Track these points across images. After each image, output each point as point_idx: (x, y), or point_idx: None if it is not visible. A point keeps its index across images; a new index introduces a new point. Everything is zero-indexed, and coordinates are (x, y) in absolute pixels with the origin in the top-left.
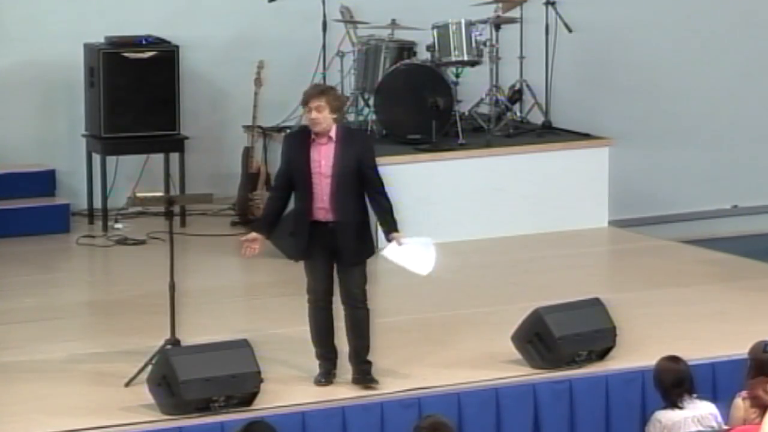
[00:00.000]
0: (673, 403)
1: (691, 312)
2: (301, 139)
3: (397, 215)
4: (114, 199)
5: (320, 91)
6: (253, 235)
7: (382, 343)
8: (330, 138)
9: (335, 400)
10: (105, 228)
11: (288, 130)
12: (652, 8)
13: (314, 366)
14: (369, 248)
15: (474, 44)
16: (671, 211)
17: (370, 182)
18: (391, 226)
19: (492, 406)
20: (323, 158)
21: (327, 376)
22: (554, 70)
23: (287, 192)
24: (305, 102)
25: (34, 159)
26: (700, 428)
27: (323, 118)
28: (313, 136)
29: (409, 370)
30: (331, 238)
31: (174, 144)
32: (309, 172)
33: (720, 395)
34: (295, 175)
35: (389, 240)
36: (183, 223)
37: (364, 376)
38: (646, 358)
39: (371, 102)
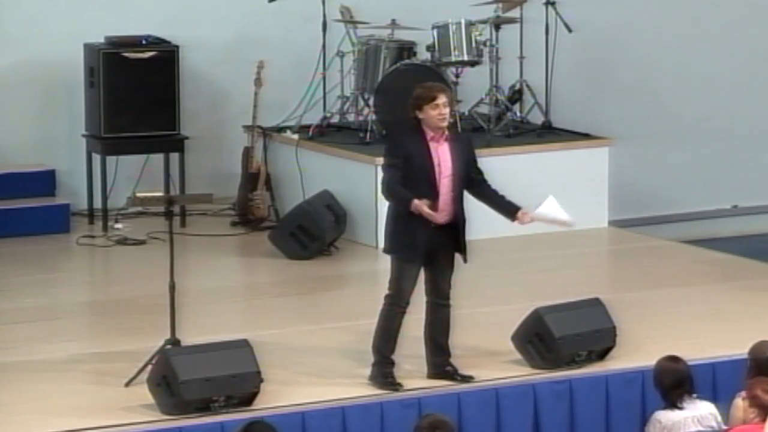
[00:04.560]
0: (673, 403)
1: (691, 312)
2: (416, 137)
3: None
4: (114, 199)
5: (445, 86)
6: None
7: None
8: (446, 136)
9: (335, 400)
10: (105, 228)
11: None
12: (652, 8)
13: (313, 367)
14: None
15: (474, 44)
16: (671, 211)
17: (477, 173)
18: (513, 204)
19: (492, 406)
20: (442, 157)
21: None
22: (554, 70)
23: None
24: (432, 98)
25: (34, 159)
26: (700, 428)
27: (449, 114)
28: (431, 134)
29: (409, 370)
30: (444, 239)
31: (174, 144)
32: (434, 172)
33: (720, 395)
34: (417, 174)
35: (517, 218)
36: (183, 223)
37: (456, 370)
38: (646, 358)
39: (371, 102)
